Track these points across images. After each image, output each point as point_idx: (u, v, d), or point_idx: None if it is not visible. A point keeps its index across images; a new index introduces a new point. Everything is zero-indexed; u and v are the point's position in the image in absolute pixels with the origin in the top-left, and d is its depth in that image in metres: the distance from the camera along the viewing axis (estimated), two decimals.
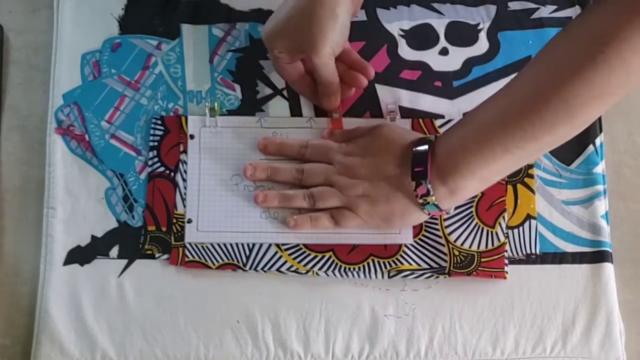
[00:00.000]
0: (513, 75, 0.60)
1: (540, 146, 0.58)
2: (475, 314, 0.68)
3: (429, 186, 0.62)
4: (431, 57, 0.74)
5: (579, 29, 0.55)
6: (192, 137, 0.71)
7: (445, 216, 0.69)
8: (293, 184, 0.70)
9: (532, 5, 0.75)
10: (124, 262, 0.69)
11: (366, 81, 0.71)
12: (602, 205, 0.71)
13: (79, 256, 0.69)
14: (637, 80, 0.53)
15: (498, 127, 0.58)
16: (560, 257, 0.69)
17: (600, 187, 0.71)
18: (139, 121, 0.72)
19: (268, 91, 0.73)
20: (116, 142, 0.72)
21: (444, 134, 0.65)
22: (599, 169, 0.71)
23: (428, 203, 0.63)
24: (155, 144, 0.71)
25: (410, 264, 0.68)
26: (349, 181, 0.66)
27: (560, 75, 0.54)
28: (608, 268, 0.69)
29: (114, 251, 0.69)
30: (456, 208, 0.69)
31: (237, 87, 0.73)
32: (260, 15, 0.75)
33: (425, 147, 0.63)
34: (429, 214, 0.65)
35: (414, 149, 0.64)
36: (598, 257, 0.69)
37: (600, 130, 0.72)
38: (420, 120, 0.72)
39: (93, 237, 0.70)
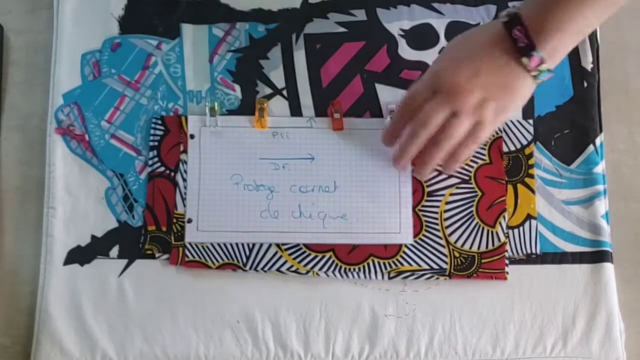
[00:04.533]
0: None
1: None
2: (475, 314, 0.68)
3: (541, 55, 0.59)
4: (431, 57, 0.73)
5: None
6: (192, 137, 0.71)
7: (446, 215, 0.69)
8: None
9: None
10: (124, 262, 0.69)
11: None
12: (602, 205, 0.71)
13: (79, 256, 0.69)
14: None
15: None
16: (560, 257, 0.69)
17: (600, 187, 0.71)
18: (139, 121, 0.72)
19: (268, 91, 0.73)
20: (116, 142, 0.72)
21: (522, 4, 0.62)
22: (599, 168, 0.71)
23: (542, 71, 0.60)
24: (156, 143, 0.71)
25: (410, 264, 0.68)
26: (461, 97, 0.61)
27: None
28: (608, 268, 0.69)
29: (114, 251, 0.69)
30: (456, 208, 0.70)
31: (237, 87, 0.73)
32: (260, 15, 0.75)
33: (517, 21, 0.60)
34: (541, 82, 0.62)
35: (505, 29, 0.60)
36: (598, 257, 0.69)
37: (600, 130, 0.72)
38: None
39: (93, 237, 0.70)
